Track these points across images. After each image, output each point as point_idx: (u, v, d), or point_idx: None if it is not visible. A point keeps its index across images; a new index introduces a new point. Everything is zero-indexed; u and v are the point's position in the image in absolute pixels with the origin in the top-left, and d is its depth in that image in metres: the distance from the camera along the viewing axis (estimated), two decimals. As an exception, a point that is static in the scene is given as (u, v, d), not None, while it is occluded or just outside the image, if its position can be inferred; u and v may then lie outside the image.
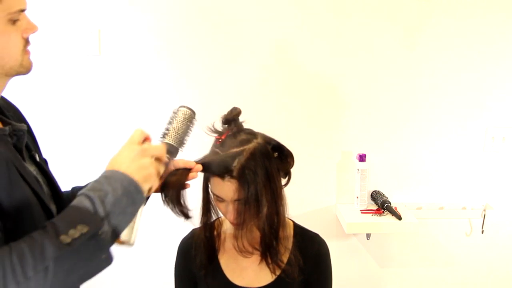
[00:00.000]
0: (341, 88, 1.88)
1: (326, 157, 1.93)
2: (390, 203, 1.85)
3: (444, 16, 1.84)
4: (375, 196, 1.91)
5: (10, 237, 0.79)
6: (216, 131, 1.16)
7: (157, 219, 1.85)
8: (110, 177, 0.85)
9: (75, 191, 1.08)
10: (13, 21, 0.86)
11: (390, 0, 1.82)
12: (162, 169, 0.97)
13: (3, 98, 1.01)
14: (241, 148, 1.08)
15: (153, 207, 1.90)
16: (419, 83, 1.88)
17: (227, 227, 1.26)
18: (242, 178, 1.07)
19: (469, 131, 1.92)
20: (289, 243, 1.22)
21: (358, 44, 1.85)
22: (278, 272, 1.19)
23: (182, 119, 1.03)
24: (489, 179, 1.95)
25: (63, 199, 1.01)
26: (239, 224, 1.11)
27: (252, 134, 1.14)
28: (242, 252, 1.15)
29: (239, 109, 1.16)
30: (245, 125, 1.19)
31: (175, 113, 1.05)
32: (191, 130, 1.05)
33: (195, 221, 1.20)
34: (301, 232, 1.27)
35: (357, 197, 1.89)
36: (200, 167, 1.07)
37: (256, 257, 1.19)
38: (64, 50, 1.83)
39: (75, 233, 0.75)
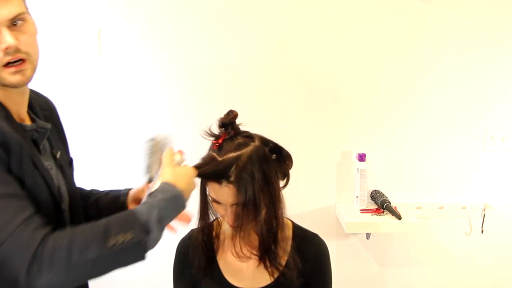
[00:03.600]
0: (341, 88, 1.88)
1: (326, 157, 1.93)
2: (390, 202, 1.85)
3: (444, 16, 1.84)
4: (375, 196, 1.91)
5: None
6: (213, 135, 1.15)
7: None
8: (164, 190, 0.94)
9: (93, 193, 1.24)
10: None
11: (391, 0, 1.82)
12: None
13: (43, 97, 1.16)
14: (238, 152, 1.08)
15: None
16: (419, 83, 1.88)
17: (226, 228, 1.25)
18: (239, 182, 1.06)
19: (469, 131, 1.92)
20: (288, 245, 1.21)
21: (358, 44, 1.85)
22: (276, 275, 1.18)
23: (158, 152, 1.08)
24: (489, 178, 1.95)
25: (75, 194, 1.11)
26: (238, 227, 1.11)
27: (249, 137, 1.13)
28: (240, 257, 1.14)
29: (236, 112, 1.14)
30: (243, 127, 1.18)
31: (150, 147, 1.10)
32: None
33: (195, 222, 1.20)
34: (300, 233, 1.25)
35: (357, 197, 1.89)
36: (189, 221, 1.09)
37: (255, 259, 1.18)
38: (64, 50, 1.83)
39: (119, 238, 0.83)
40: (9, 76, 0.94)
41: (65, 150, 1.17)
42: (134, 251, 0.87)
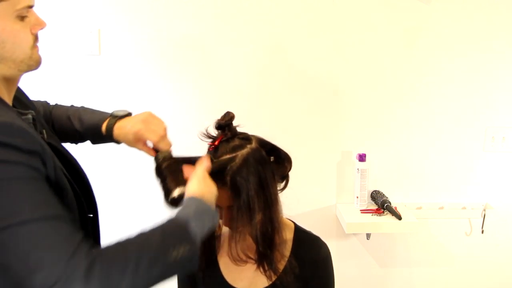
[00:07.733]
0: (341, 88, 1.88)
1: (326, 157, 1.93)
2: (390, 203, 1.85)
3: (444, 16, 1.84)
4: (375, 196, 1.91)
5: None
6: (210, 137, 1.14)
7: (157, 218, 1.85)
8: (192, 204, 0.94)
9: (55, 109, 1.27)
10: (22, 17, 0.92)
11: (391, 0, 1.82)
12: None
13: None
14: (234, 155, 1.06)
15: (153, 205, 1.90)
16: (419, 83, 1.88)
17: (226, 230, 1.24)
18: (234, 185, 1.05)
19: (469, 131, 1.92)
20: (286, 249, 1.19)
21: (357, 44, 1.85)
22: (274, 278, 1.16)
23: None
24: (489, 179, 1.95)
25: (77, 169, 1.11)
26: (233, 229, 1.10)
27: (246, 139, 1.11)
28: (236, 260, 1.12)
29: (232, 113, 1.13)
30: (244, 129, 1.17)
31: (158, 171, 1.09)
32: None
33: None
34: (300, 236, 1.23)
35: (357, 197, 1.89)
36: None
37: (251, 262, 1.17)
38: (64, 50, 1.83)
39: (179, 252, 0.84)
40: (37, 55, 0.95)
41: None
42: (191, 261, 0.88)
